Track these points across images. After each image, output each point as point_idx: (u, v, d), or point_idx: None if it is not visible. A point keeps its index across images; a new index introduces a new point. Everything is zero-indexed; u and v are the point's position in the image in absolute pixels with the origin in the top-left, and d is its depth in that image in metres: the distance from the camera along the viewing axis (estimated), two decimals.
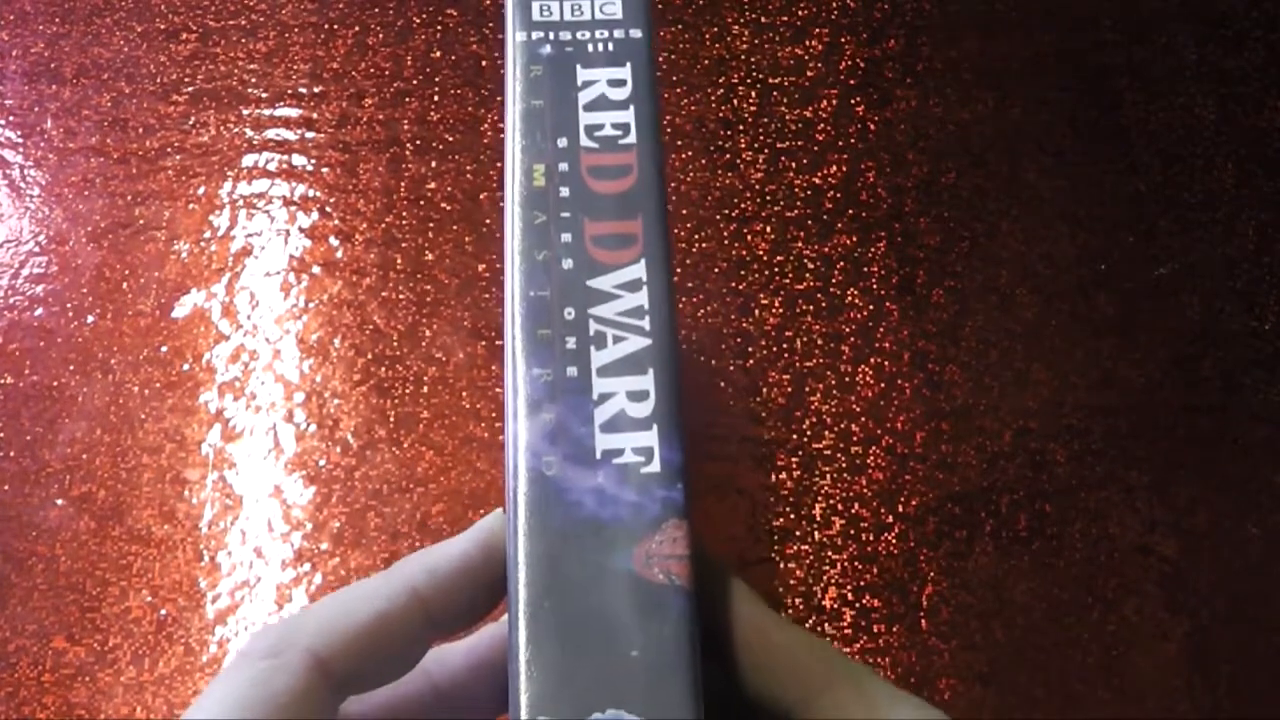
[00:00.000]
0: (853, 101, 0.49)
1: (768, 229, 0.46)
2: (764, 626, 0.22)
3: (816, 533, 0.42)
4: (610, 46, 0.25)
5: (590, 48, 0.25)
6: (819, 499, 0.42)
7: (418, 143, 0.47)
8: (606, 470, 0.22)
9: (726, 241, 0.46)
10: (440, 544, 0.23)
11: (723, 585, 0.23)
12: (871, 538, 0.41)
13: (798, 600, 0.41)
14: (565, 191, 0.23)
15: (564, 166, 0.24)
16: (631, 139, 0.24)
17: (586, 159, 0.24)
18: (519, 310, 0.22)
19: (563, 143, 0.24)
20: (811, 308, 0.45)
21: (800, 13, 0.51)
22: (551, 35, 0.25)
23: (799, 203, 0.47)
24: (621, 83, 0.25)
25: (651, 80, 0.25)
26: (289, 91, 0.49)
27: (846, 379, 0.44)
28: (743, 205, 0.47)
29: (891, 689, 0.21)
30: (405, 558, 0.22)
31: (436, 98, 0.48)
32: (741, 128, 0.48)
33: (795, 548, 0.41)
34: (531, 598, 0.21)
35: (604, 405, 0.22)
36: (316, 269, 0.45)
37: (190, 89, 0.49)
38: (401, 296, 0.45)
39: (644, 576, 0.21)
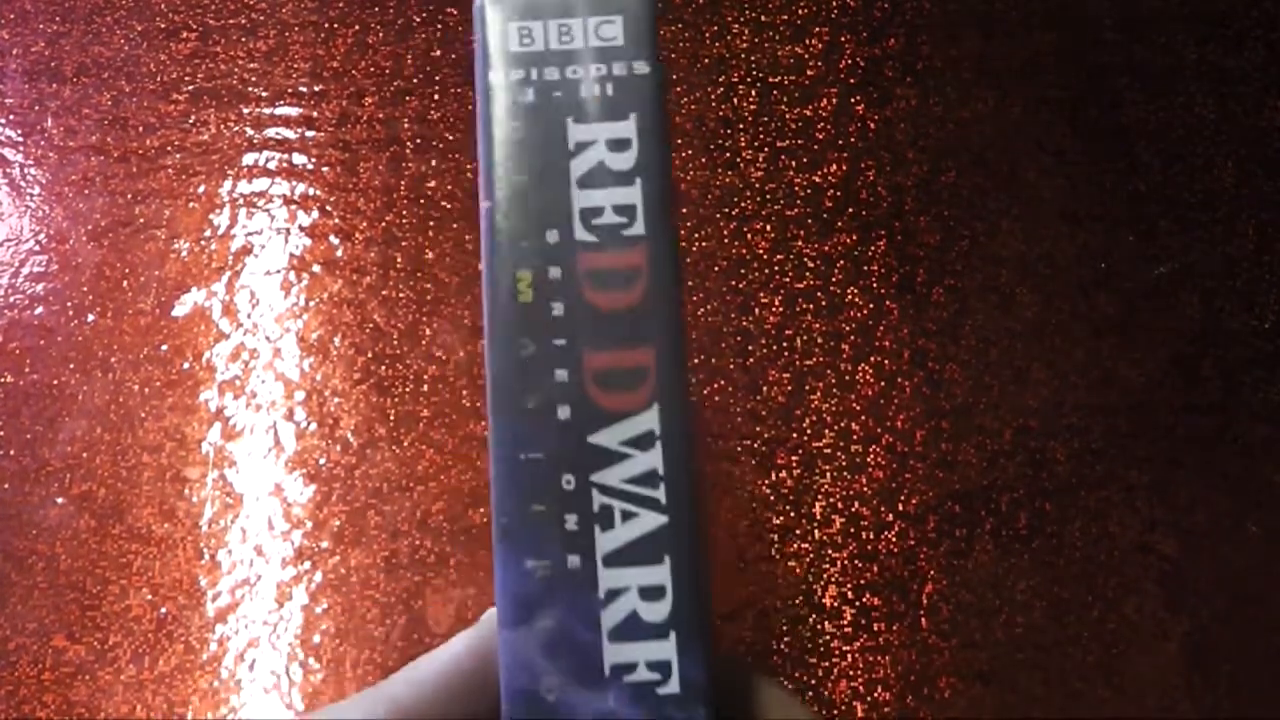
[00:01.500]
0: (853, 100, 0.49)
1: (768, 228, 0.46)
2: None
3: (817, 531, 0.42)
4: (610, 89, 0.19)
5: (584, 90, 0.19)
6: (819, 497, 0.42)
7: (418, 141, 0.47)
8: (617, 691, 0.18)
9: (726, 240, 0.46)
10: (431, 652, 0.20)
11: (765, 697, 0.20)
12: (871, 536, 0.41)
13: (798, 599, 0.41)
14: (558, 309, 0.18)
15: (555, 273, 0.19)
16: (639, 228, 0.19)
17: (584, 259, 0.19)
18: (507, 482, 0.18)
19: (553, 237, 0.19)
20: (811, 306, 0.45)
21: (800, 12, 0.51)
22: (535, 74, 0.19)
23: (799, 201, 0.47)
24: (625, 144, 0.19)
25: (663, 137, 0.19)
26: (289, 90, 0.49)
27: (846, 378, 0.44)
28: (743, 204, 0.47)
29: None
30: (393, 675, 0.20)
31: (437, 96, 0.48)
32: (741, 126, 0.48)
33: (795, 546, 0.41)
34: None
35: (613, 605, 0.18)
36: (317, 267, 0.45)
37: (190, 88, 0.49)
38: (402, 295, 0.45)
39: None
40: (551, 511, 0.18)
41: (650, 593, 0.18)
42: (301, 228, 0.46)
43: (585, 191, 0.19)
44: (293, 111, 0.48)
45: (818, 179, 0.47)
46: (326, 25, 0.50)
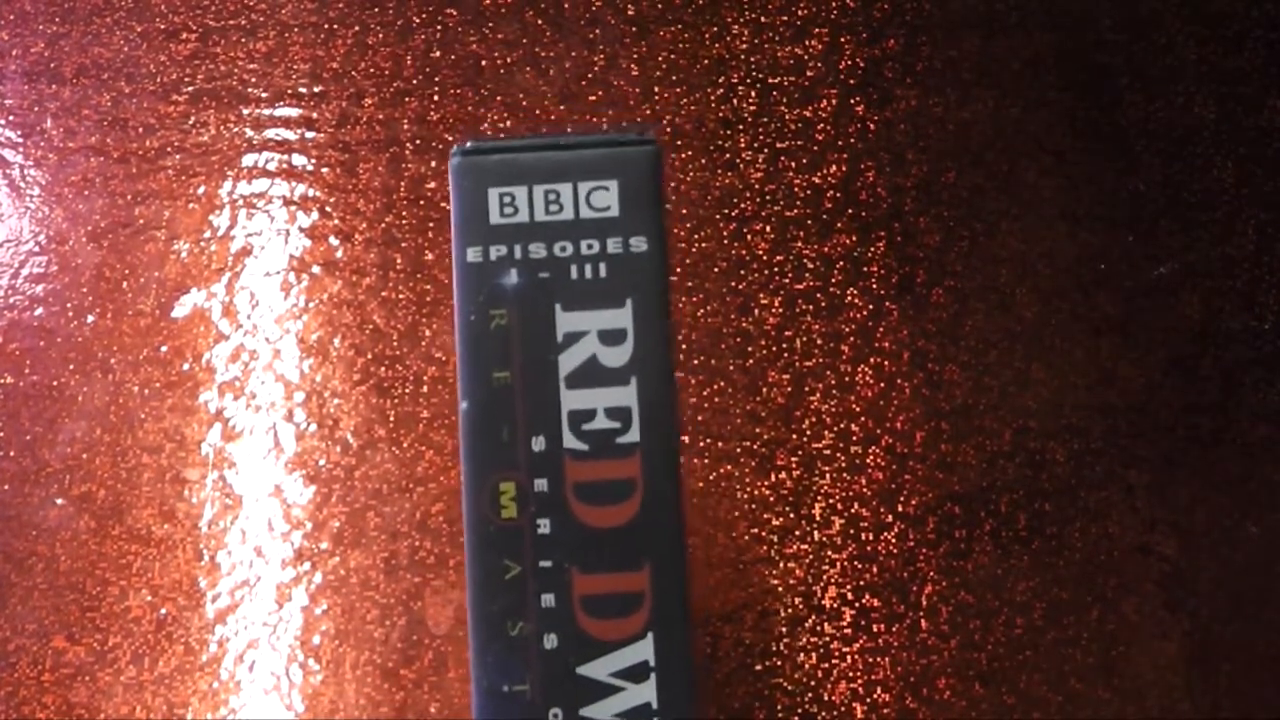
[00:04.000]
0: (853, 101, 0.49)
1: (767, 229, 0.46)
2: None
3: (816, 532, 0.42)
4: (602, 269, 0.17)
5: (574, 270, 0.17)
6: (818, 499, 0.42)
7: (418, 142, 0.47)
8: None
9: (725, 241, 0.46)
10: None
11: None
12: (871, 537, 0.41)
13: (797, 600, 0.41)
14: (545, 526, 0.17)
15: (542, 484, 0.17)
16: (634, 435, 0.17)
17: (573, 470, 0.17)
18: (490, 716, 0.17)
19: (539, 444, 0.17)
20: (811, 307, 0.45)
21: (800, 12, 0.51)
22: (519, 252, 0.17)
23: (798, 202, 0.47)
24: (620, 335, 0.17)
25: (663, 326, 0.17)
26: (289, 91, 0.49)
27: (846, 379, 0.44)
28: (742, 205, 0.47)
29: None
30: None
31: (436, 97, 0.48)
32: (741, 127, 0.48)
33: (795, 547, 0.41)
34: None
35: None
36: (316, 269, 0.45)
37: (190, 89, 0.49)
38: (401, 296, 0.45)
39: None
40: None
41: None
42: (301, 229, 0.46)
43: (575, 391, 0.17)
44: (293, 112, 0.48)
45: (817, 180, 0.47)
46: (326, 26, 0.50)
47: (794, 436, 0.43)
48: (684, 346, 0.44)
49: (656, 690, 0.17)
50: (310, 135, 0.48)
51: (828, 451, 0.43)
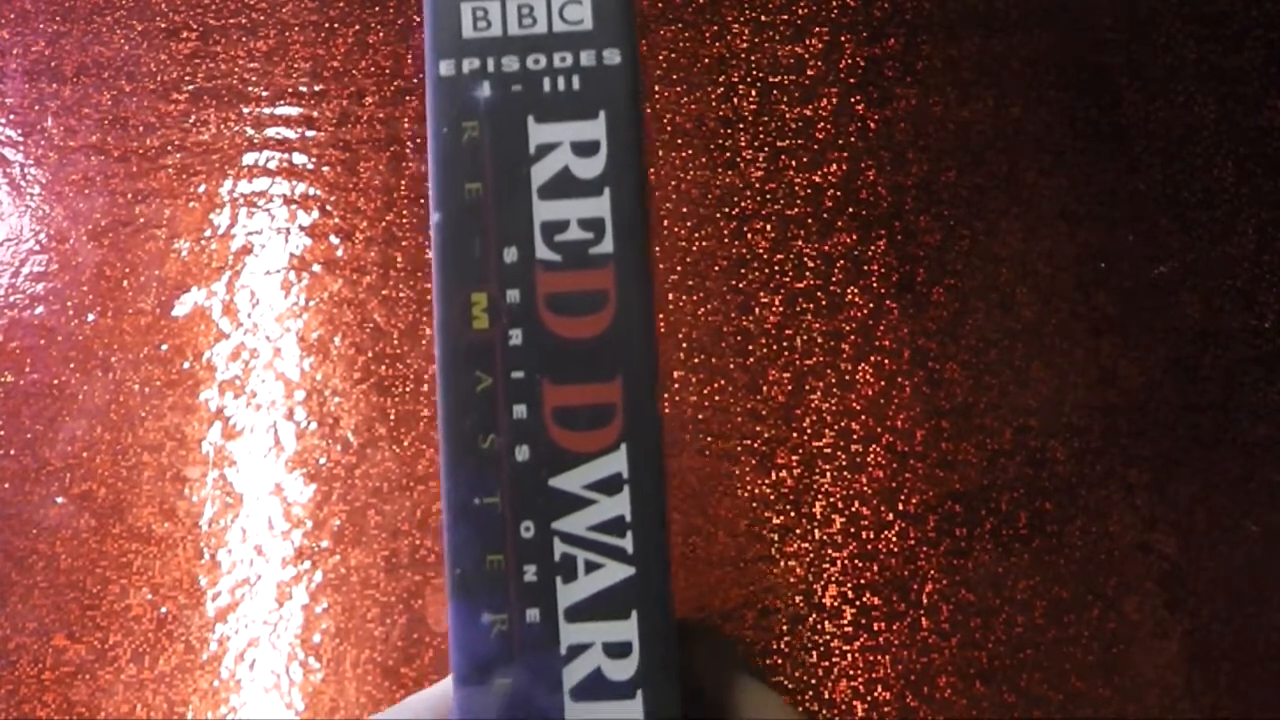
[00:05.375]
0: (853, 100, 0.49)
1: (768, 227, 0.46)
2: None
3: (817, 531, 0.42)
4: (575, 82, 0.17)
5: (547, 84, 0.17)
6: (819, 497, 0.42)
7: (418, 141, 0.47)
8: None
9: (726, 240, 0.46)
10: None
11: (746, 695, 0.19)
12: (872, 536, 0.41)
13: (798, 598, 0.41)
14: (517, 337, 0.17)
15: (514, 295, 0.17)
16: (607, 245, 0.17)
17: (545, 281, 0.17)
18: (461, 530, 0.16)
19: (511, 255, 0.17)
20: (811, 306, 0.45)
21: (800, 11, 0.51)
22: (491, 64, 0.17)
23: (799, 201, 0.47)
24: (593, 146, 0.17)
25: (637, 139, 0.17)
26: (289, 90, 0.49)
27: (846, 377, 0.44)
28: (743, 204, 0.47)
29: None
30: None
31: None
32: (741, 126, 0.48)
33: (795, 546, 0.41)
34: None
35: (575, 662, 0.16)
36: (317, 267, 0.45)
37: (191, 87, 0.49)
38: (402, 295, 0.45)
39: None
40: (509, 561, 0.17)
41: (616, 649, 0.16)
42: (302, 227, 0.46)
43: (547, 203, 0.17)
44: (293, 111, 0.48)
45: (818, 179, 0.47)
46: (326, 25, 0.50)
47: (794, 435, 0.43)
48: (684, 345, 0.44)
49: (630, 502, 0.17)
50: (311, 134, 0.48)
51: (828, 450, 0.43)
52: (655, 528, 0.17)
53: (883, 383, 0.44)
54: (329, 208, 0.46)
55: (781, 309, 0.45)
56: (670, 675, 0.16)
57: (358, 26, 0.50)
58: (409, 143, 0.47)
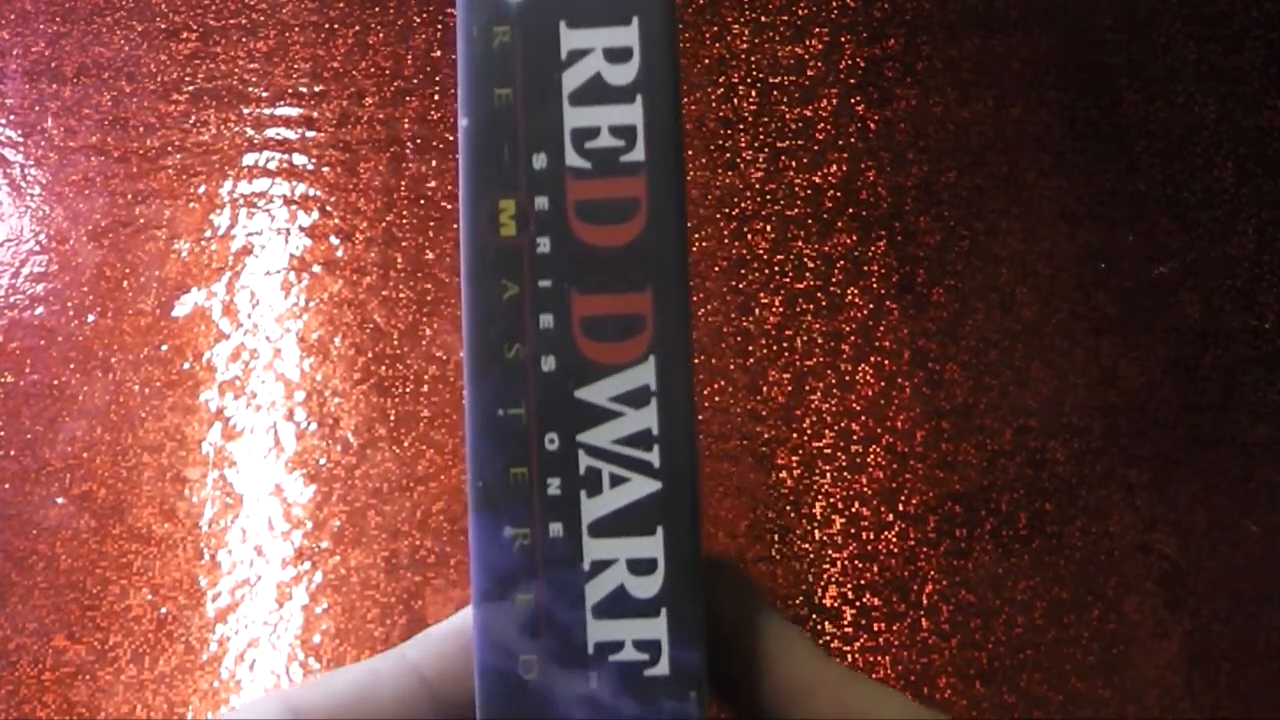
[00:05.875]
0: (853, 101, 0.49)
1: (768, 228, 0.46)
2: (833, 688, 0.18)
3: (817, 531, 0.42)
4: None
5: None
6: (819, 498, 0.42)
7: (418, 141, 0.47)
8: (601, 672, 0.16)
9: (727, 240, 0.46)
10: (349, 665, 0.19)
11: (769, 633, 0.18)
12: (872, 536, 0.41)
13: (798, 599, 0.41)
14: (544, 245, 0.16)
15: (542, 203, 0.16)
16: (639, 153, 0.16)
17: (574, 188, 0.16)
18: (483, 441, 0.16)
19: (540, 162, 0.16)
20: (811, 307, 0.45)
21: (800, 12, 0.51)
22: None
23: (799, 202, 0.47)
24: (626, 53, 0.17)
25: (671, 45, 0.17)
26: (289, 90, 0.49)
27: (846, 378, 0.44)
28: (743, 204, 0.47)
29: None
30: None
31: (437, 97, 0.48)
32: (742, 127, 0.48)
33: (795, 546, 0.41)
34: None
35: (598, 579, 0.16)
36: (317, 268, 0.45)
37: (191, 88, 0.49)
38: (402, 295, 0.45)
39: None
40: (533, 474, 0.16)
41: (640, 566, 0.16)
42: (302, 228, 0.46)
43: (578, 109, 0.17)
44: (293, 111, 0.48)
45: (818, 179, 0.47)
46: (326, 25, 0.50)
47: (794, 435, 0.43)
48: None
49: (657, 415, 0.16)
50: (311, 134, 0.48)
51: (828, 450, 0.43)
52: (684, 442, 0.16)
53: (883, 383, 0.44)
54: (329, 208, 0.46)
55: (781, 309, 0.45)
56: (696, 594, 0.16)
57: (358, 27, 0.50)
58: (409, 143, 0.47)
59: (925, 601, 0.41)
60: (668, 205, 0.16)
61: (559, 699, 0.16)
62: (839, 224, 0.46)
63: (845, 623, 0.40)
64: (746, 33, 0.50)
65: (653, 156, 0.16)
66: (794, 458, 0.42)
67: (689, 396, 0.16)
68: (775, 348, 0.44)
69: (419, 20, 0.50)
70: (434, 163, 0.47)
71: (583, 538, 0.16)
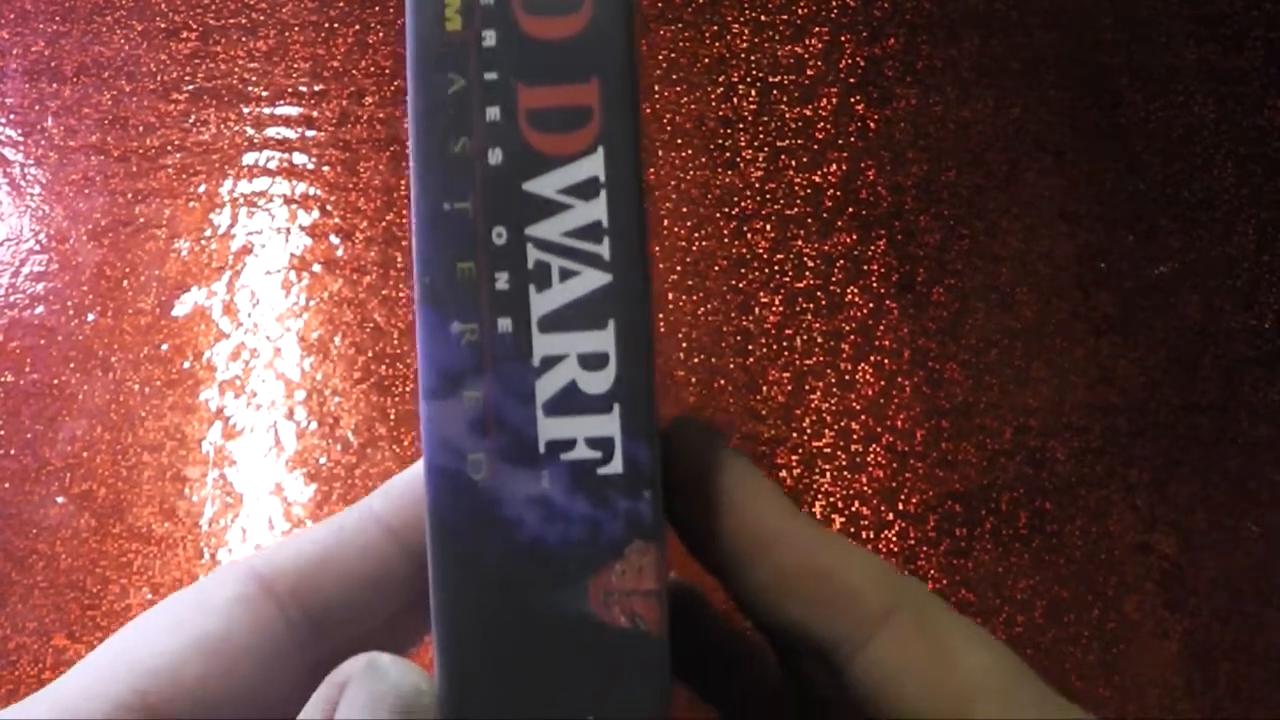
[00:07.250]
0: (852, 100, 0.49)
1: (768, 227, 0.46)
2: (800, 540, 0.17)
3: None
4: None
5: None
6: (819, 497, 0.42)
7: None
8: (552, 471, 0.16)
9: (726, 239, 0.46)
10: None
11: (734, 477, 0.18)
12: (872, 536, 0.41)
13: None
14: (490, 38, 0.16)
15: None
16: None
17: None
18: (430, 236, 0.16)
19: None
20: (811, 306, 0.45)
21: (800, 11, 0.51)
22: None
23: (799, 201, 0.47)
24: None
25: None
26: (289, 90, 0.49)
27: (846, 377, 0.44)
28: (743, 203, 0.47)
29: (966, 625, 0.17)
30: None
31: None
32: (741, 126, 0.48)
33: None
34: (454, 655, 0.16)
35: (548, 375, 0.16)
36: (317, 267, 0.45)
37: (191, 87, 0.49)
38: (402, 294, 0.45)
39: (603, 620, 0.16)
40: (480, 269, 0.16)
41: (591, 360, 0.16)
42: (302, 227, 0.46)
43: None
44: (293, 111, 0.48)
45: (818, 178, 0.47)
46: (327, 25, 0.50)
47: (794, 434, 0.43)
48: (684, 345, 0.44)
49: (607, 207, 0.16)
50: (311, 134, 0.48)
51: (828, 450, 0.43)
52: (634, 233, 0.16)
53: (883, 383, 0.44)
54: (329, 208, 0.46)
55: (781, 309, 0.45)
56: (648, 389, 0.16)
57: (358, 26, 0.50)
58: (409, 142, 0.47)
59: None
60: None
61: (509, 499, 0.16)
62: (839, 223, 0.46)
63: None
64: (746, 32, 0.50)
65: None
66: (794, 457, 0.42)
67: (639, 188, 0.16)
68: (775, 347, 0.44)
69: None
70: None
71: (532, 333, 0.16)
